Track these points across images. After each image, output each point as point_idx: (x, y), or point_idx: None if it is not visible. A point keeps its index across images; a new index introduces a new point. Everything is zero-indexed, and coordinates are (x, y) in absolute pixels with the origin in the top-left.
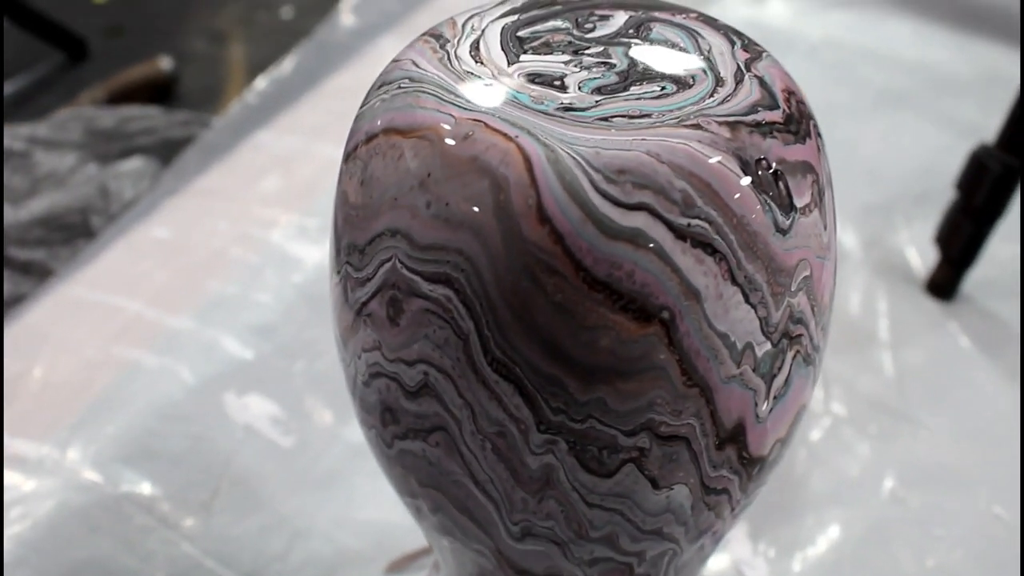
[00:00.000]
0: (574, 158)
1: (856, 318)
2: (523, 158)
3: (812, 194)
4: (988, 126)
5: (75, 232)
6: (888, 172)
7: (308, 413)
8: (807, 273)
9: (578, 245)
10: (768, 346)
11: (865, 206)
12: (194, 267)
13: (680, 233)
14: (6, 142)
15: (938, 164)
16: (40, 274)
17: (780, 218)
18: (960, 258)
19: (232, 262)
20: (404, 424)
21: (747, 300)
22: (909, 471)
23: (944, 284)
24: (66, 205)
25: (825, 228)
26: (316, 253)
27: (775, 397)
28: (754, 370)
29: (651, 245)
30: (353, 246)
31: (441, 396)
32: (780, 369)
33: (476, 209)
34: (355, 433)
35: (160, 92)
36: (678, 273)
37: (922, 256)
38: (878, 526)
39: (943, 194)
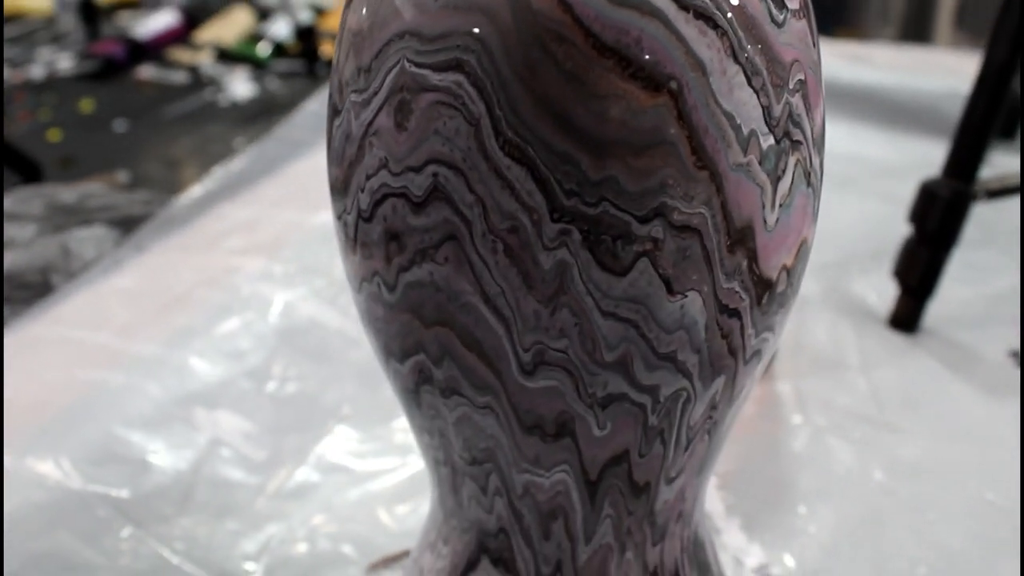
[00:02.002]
0: None
1: (825, 348)
2: None
3: (800, 4)
4: None
5: (35, 291)
6: (839, 236)
7: (280, 430)
8: (801, 77)
9: (586, 12)
10: (771, 140)
11: (821, 263)
12: (160, 307)
13: (683, 3)
14: None
15: (885, 230)
16: None
17: (774, 10)
18: (920, 287)
19: (198, 301)
20: (411, 248)
21: (749, 83)
22: (896, 467)
23: (906, 317)
24: (26, 263)
25: (814, 45)
26: (283, 294)
27: (781, 205)
28: (760, 163)
29: (656, 13)
30: (358, 70)
31: (451, 197)
32: (784, 173)
33: None
34: (329, 450)
35: None
36: (683, 43)
37: (881, 299)
38: (871, 514)
39: (893, 253)
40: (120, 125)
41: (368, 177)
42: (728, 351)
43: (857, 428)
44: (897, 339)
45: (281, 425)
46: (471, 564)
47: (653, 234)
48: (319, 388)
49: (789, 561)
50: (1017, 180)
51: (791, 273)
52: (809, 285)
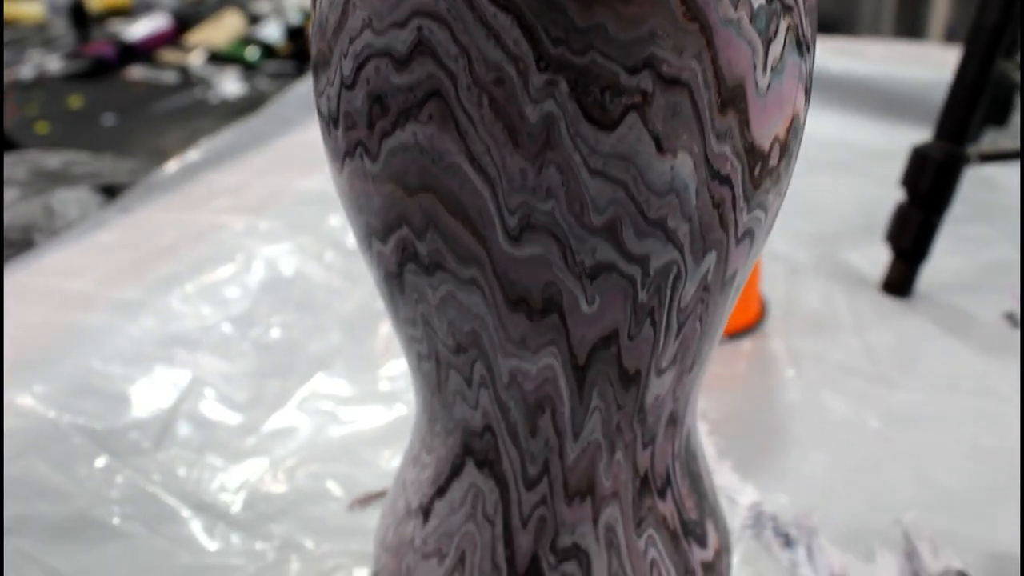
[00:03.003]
0: None
1: (818, 311)
2: None
3: None
4: None
5: (17, 249)
6: (831, 211)
7: (263, 374)
8: None
9: None
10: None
11: (814, 234)
12: (143, 258)
13: None
14: None
15: (877, 208)
16: None
17: None
18: (913, 249)
19: (182, 253)
20: (394, 109)
21: None
22: (892, 416)
23: (899, 281)
24: (8, 222)
25: None
26: (269, 248)
27: (772, 70)
28: (751, 20)
29: None
30: None
31: (435, 50)
32: (775, 36)
33: None
34: (313, 395)
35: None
36: None
37: (874, 268)
38: (867, 458)
39: (885, 228)
40: (109, 119)
41: (351, 40)
42: (720, 223)
43: (851, 381)
44: (890, 303)
45: (264, 370)
46: (455, 470)
47: (642, 86)
48: (303, 337)
49: (783, 499)
50: (1011, 145)
51: (784, 149)
52: (800, 253)
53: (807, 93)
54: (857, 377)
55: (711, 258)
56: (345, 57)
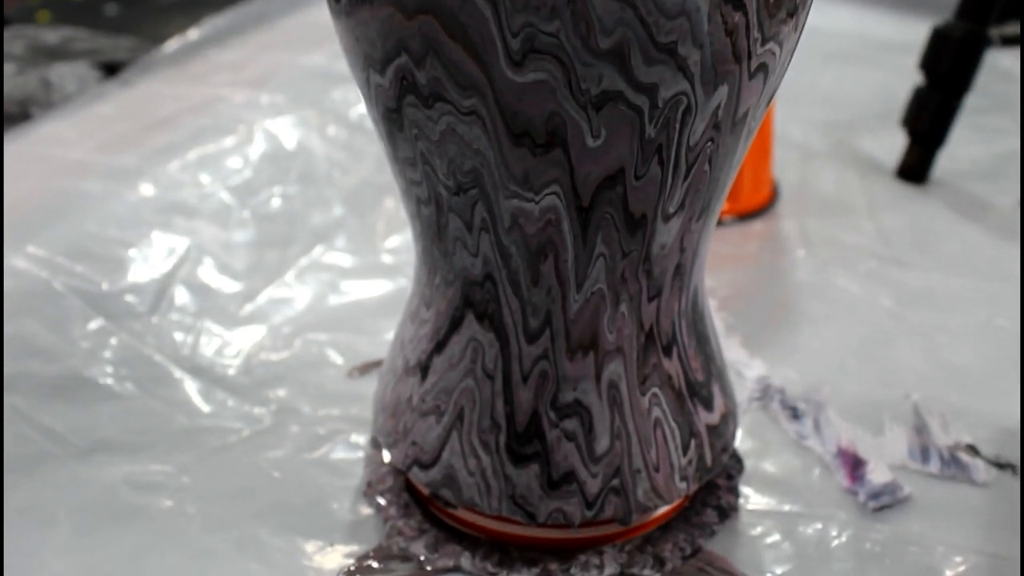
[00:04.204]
0: None
1: (831, 195)
2: None
3: None
4: None
5: (14, 121)
6: (846, 100)
7: (262, 244)
8: None
9: None
10: None
11: (829, 121)
12: (142, 128)
13: None
14: None
15: (891, 96)
16: None
17: None
18: (930, 133)
19: (182, 124)
20: None
21: None
22: (904, 295)
23: (915, 167)
24: (5, 95)
25: None
26: (270, 121)
27: None
28: None
29: None
30: None
31: None
32: None
33: None
34: (313, 265)
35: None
36: None
37: (889, 155)
38: (879, 334)
39: (900, 116)
40: (112, 9)
41: None
42: (732, 53)
43: (863, 263)
44: (905, 188)
45: (264, 239)
46: (455, 323)
47: None
48: (304, 208)
49: (792, 374)
50: None
51: None
52: (815, 140)
53: None
54: (870, 258)
55: (723, 91)
56: None
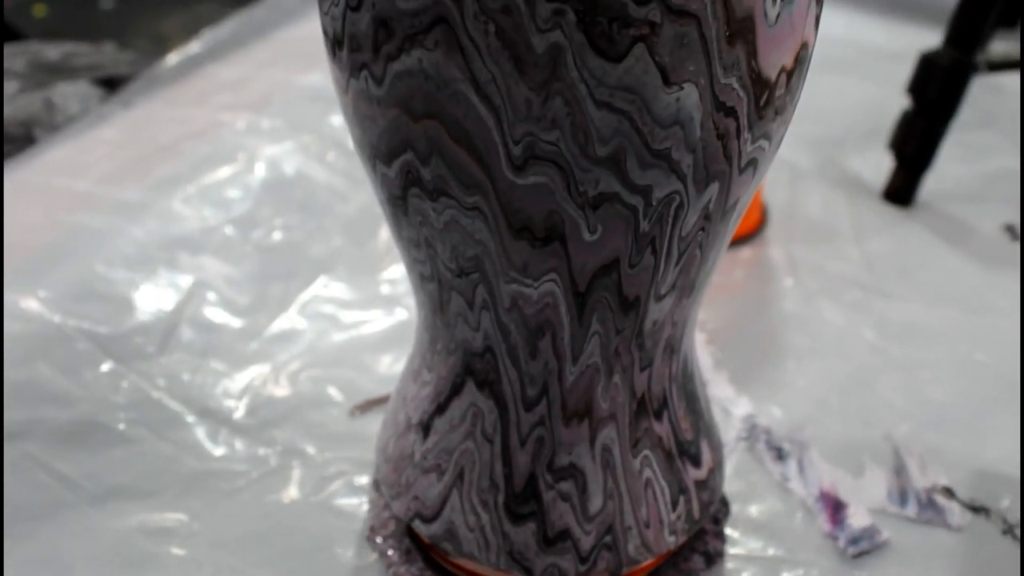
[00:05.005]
0: None
1: (818, 219)
2: None
3: None
4: None
5: (17, 145)
6: (835, 114)
7: (265, 277)
8: None
9: None
10: None
11: (817, 138)
12: (145, 156)
13: None
14: None
15: (882, 111)
16: None
17: None
18: (916, 158)
19: (184, 152)
20: (400, 34)
21: None
22: (888, 328)
23: (901, 189)
24: (8, 116)
25: None
26: (271, 147)
27: (782, 1)
28: None
29: None
30: None
31: None
32: None
33: None
34: (315, 299)
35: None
36: None
37: (876, 174)
38: (861, 370)
39: (889, 132)
40: (107, 2)
41: None
42: (723, 154)
43: (848, 292)
44: (891, 211)
45: (266, 272)
46: (456, 388)
47: (650, 17)
48: (305, 239)
49: (776, 412)
50: (1019, 55)
51: (790, 77)
52: (803, 158)
53: (818, 19)
54: (855, 287)
55: (713, 188)
56: None
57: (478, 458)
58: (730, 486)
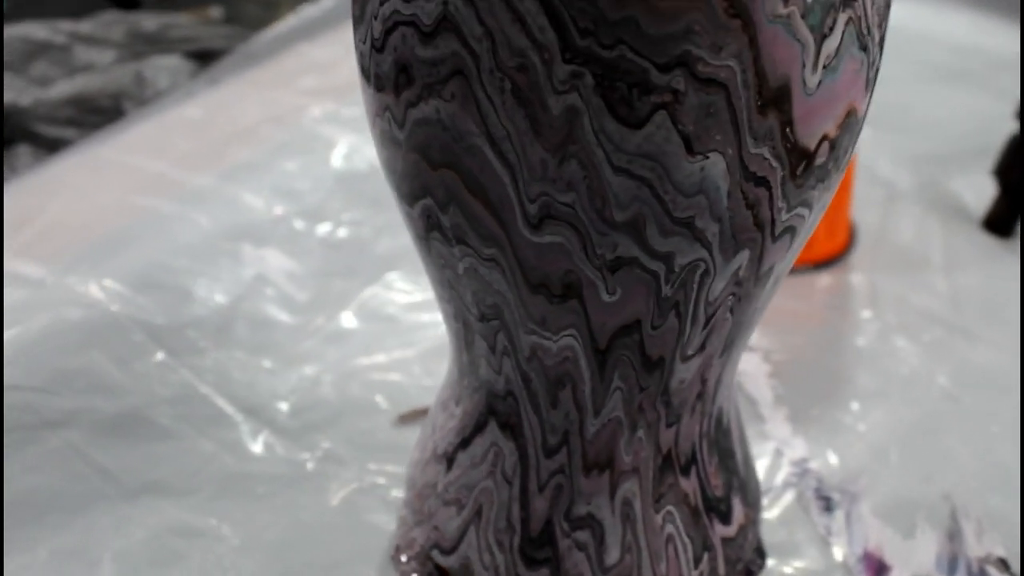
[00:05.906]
0: None
1: (908, 245)
2: None
3: None
4: None
5: (106, 116)
6: (944, 130)
7: (327, 273)
8: None
9: None
10: None
11: (919, 155)
12: (222, 139)
13: None
14: (47, 35)
15: (995, 128)
16: None
17: None
18: (1020, 187)
19: (262, 137)
20: (419, 81)
21: None
22: (963, 374)
23: (1001, 219)
24: (99, 88)
25: None
26: (348, 137)
27: (825, 67)
28: (803, 16)
29: None
30: None
31: (460, 28)
32: (831, 32)
33: None
34: (374, 299)
35: None
36: None
37: (979, 199)
38: (929, 418)
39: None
40: None
41: (381, 3)
42: (754, 223)
43: (929, 330)
44: (988, 242)
45: (329, 269)
46: (479, 426)
47: (673, 85)
48: (373, 235)
49: (832, 458)
50: None
51: (835, 145)
52: (902, 177)
53: (869, 83)
54: (937, 325)
55: (743, 256)
56: (375, 19)
57: (497, 498)
58: (772, 536)
